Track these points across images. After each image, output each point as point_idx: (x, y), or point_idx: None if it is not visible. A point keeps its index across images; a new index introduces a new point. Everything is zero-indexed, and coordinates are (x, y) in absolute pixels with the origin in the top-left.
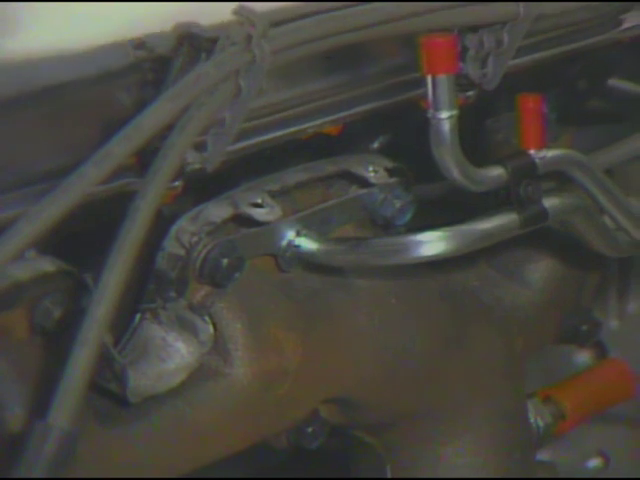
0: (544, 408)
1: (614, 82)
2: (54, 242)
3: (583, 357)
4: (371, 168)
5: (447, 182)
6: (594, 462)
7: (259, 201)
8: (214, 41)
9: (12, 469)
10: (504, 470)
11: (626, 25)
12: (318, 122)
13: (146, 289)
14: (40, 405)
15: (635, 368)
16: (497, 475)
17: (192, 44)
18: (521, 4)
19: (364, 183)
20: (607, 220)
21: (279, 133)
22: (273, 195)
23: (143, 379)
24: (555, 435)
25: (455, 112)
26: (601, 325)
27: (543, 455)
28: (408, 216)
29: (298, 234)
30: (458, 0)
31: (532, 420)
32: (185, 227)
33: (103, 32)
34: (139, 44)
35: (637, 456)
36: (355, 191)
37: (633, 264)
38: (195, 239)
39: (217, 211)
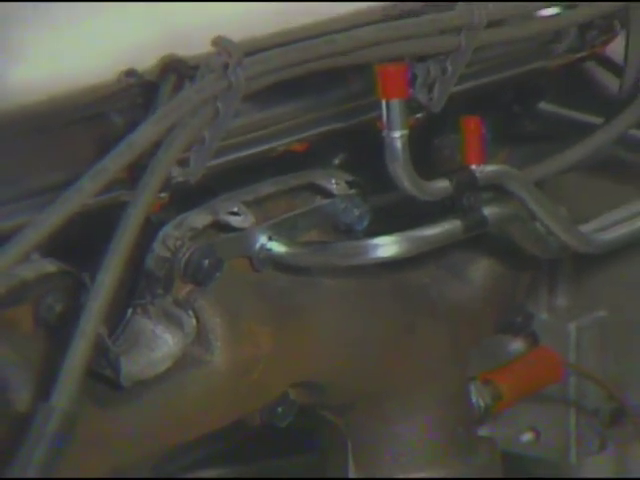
0: (484, 390)
1: (544, 106)
2: (56, 246)
3: (517, 345)
4: (333, 181)
5: (400, 193)
6: (527, 436)
7: (235, 210)
8: (196, 69)
9: (18, 445)
10: (450, 444)
11: (553, 55)
12: (286, 141)
13: (137, 287)
14: (43, 389)
15: (562, 355)
16: (444, 448)
17: (176, 72)
18: (462, 36)
19: (327, 194)
20: (539, 226)
21: (252, 150)
22: (248, 205)
23: (134, 366)
24: (494, 413)
25: (406, 132)
26: (533, 317)
27: (483, 431)
28: (366, 223)
29: (270, 239)
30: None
31: (474, 400)
32: (171, 232)
33: (100, 60)
34: (130, 72)
35: (563, 431)
36: (319, 201)
37: (561, 264)
38: (180, 243)
39: (199, 219)
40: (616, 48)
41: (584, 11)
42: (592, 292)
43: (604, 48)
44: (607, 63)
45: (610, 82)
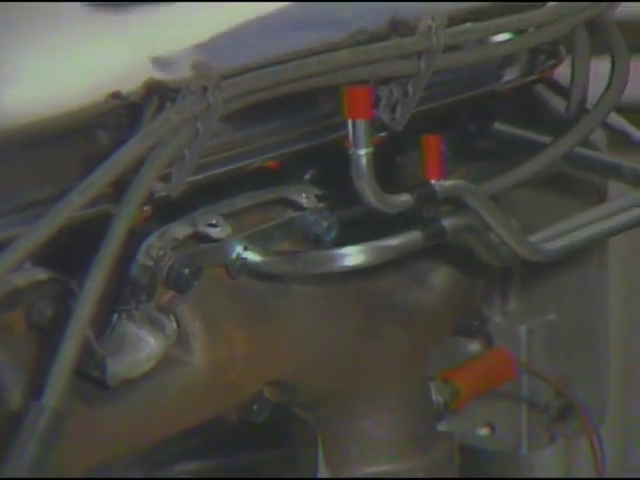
0: (443, 388)
1: (498, 125)
2: (47, 255)
3: (474, 346)
4: (304, 195)
5: (365, 206)
6: (482, 431)
7: (214, 222)
8: (177, 91)
9: (11, 441)
10: (412, 438)
11: (505, 79)
12: (260, 158)
13: (122, 294)
14: (35, 388)
15: (514, 355)
16: (407, 442)
17: (159, 94)
18: (422, 60)
19: (298, 207)
20: (492, 236)
21: (229, 167)
22: (225, 217)
23: (120, 367)
24: (452, 410)
25: (371, 149)
26: (488, 320)
27: (442, 426)
28: (333, 233)
29: (245, 248)
30: None
31: (434, 398)
32: (154, 243)
33: (88, 84)
34: (116, 94)
35: (516, 425)
36: (291, 214)
37: (513, 272)
38: (162, 253)
39: (180, 230)
40: (563, 72)
41: (533, 37)
42: (541, 297)
43: (552, 72)
44: (555, 86)
45: (557, 104)
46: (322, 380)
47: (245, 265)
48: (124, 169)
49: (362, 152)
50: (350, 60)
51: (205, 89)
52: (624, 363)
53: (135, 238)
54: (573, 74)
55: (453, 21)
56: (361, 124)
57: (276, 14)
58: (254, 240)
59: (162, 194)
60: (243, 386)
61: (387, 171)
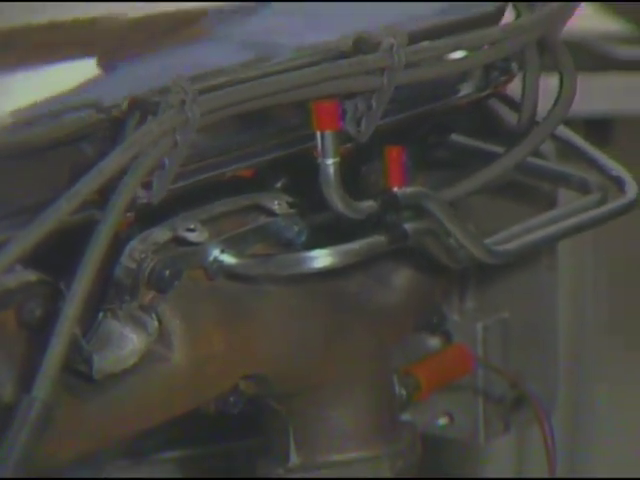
0: (405, 381)
1: (455, 137)
2: (36, 258)
3: (434, 342)
4: (276, 202)
5: (333, 212)
6: (442, 420)
7: (192, 227)
8: (157, 105)
9: (3, 432)
10: (377, 428)
11: (461, 93)
12: (235, 167)
13: (107, 294)
14: (26, 383)
15: (472, 350)
16: (372, 431)
17: (141, 108)
18: (385, 76)
19: (271, 213)
20: (451, 240)
21: (206, 175)
22: (203, 222)
23: (105, 362)
24: (413, 401)
25: (338, 159)
26: (447, 318)
27: (405, 416)
28: (303, 238)
29: (222, 252)
30: None
31: (396, 390)
32: (136, 247)
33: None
34: (100, 108)
35: (473, 416)
36: (264, 219)
37: (470, 273)
38: (144, 256)
39: (161, 234)
40: (514, 87)
41: (487, 54)
42: (496, 297)
43: (504, 87)
44: (507, 100)
45: (510, 117)
46: (294, 374)
47: (222, 267)
48: (109, 178)
49: (330, 162)
50: (319, 77)
51: (183, 103)
52: (572, 357)
53: (119, 242)
54: (524, 89)
55: (412, 39)
56: (329, 136)
57: None
58: (230, 244)
59: (144, 201)
60: (220, 380)
61: (353, 179)
